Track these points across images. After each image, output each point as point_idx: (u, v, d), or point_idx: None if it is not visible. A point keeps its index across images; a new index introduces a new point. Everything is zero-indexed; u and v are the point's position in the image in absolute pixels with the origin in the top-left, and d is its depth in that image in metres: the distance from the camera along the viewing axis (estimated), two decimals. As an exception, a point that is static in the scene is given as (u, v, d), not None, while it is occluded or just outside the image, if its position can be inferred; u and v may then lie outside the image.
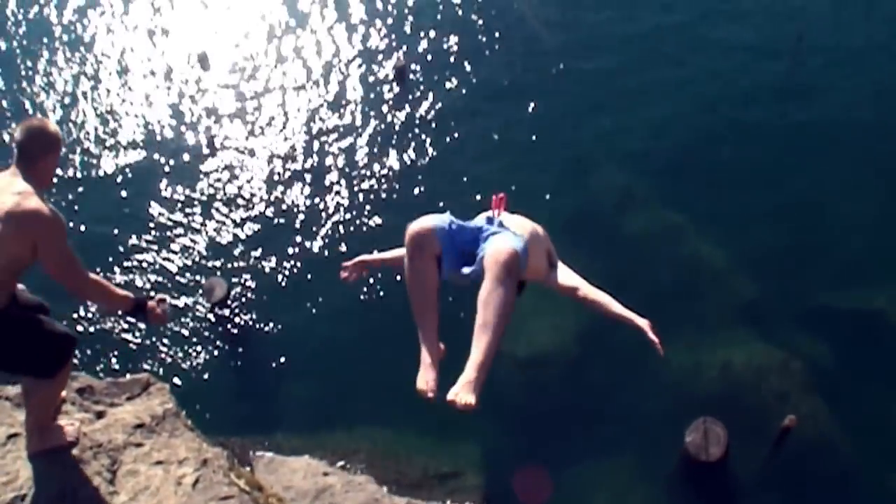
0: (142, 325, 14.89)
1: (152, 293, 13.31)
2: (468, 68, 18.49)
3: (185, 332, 14.93)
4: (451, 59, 18.72)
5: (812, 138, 16.54)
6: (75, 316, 15.07)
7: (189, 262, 15.79)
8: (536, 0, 19.56)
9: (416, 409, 13.50)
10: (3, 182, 4.68)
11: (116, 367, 14.45)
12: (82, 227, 16.30)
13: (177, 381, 14.20)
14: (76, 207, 16.68)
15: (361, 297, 14.92)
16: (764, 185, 15.83)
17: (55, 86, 18.92)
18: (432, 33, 19.28)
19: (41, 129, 4.88)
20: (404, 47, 19.03)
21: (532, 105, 17.64)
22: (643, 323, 4.99)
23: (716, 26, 18.60)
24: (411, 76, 18.42)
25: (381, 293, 14.96)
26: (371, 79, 18.55)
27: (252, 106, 18.22)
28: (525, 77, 18.15)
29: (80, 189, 16.98)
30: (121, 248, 15.96)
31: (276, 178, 16.93)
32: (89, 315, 15.06)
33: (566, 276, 5.34)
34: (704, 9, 18.97)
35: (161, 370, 14.29)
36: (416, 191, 16.47)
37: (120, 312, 5.50)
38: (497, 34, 19.07)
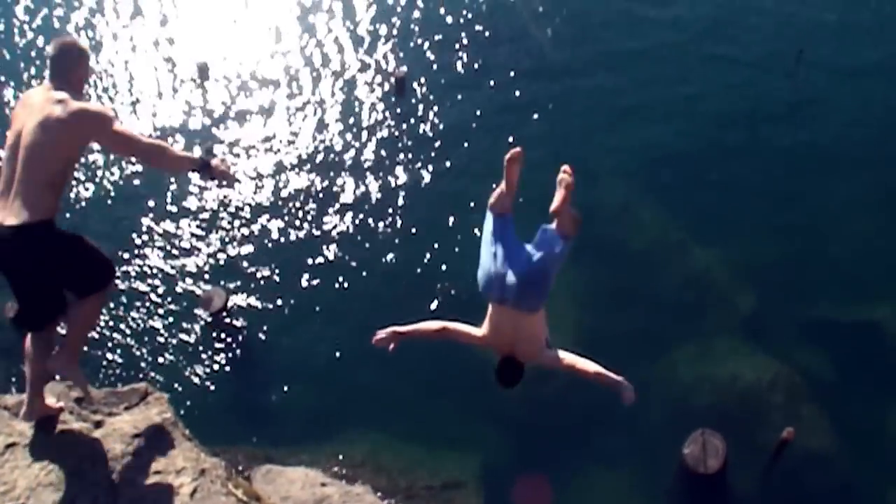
0: (140, 332, 14.94)
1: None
2: (470, 81, 18.50)
3: (184, 343, 14.92)
4: (452, 72, 18.75)
5: (813, 153, 16.57)
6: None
7: (187, 273, 15.78)
8: (541, 16, 19.57)
9: (414, 419, 13.60)
10: (42, 95, 4.97)
11: (115, 376, 14.46)
12: (85, 233, 16.28)
13: (175, 391, 14.18)
14: (76, 217, 16.69)
15: (360, 308, 14.91)
16: (764, 199, 15.86)
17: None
18: (433, 46, 19.32)
19: (73, 44, 5.20)
20: (402, 56, 19.06)
21: (535, 119, 17.62)
22: (623, 383, 5.70)
23: (719, 43, 18.61)
24: (413, 88, 18.44)
25: (381, 304, 14.96)
26: (371, 89, 18.58)
27: (251, 116, 18.24)
28: (528, 91, 18.13)
29: (81, 199, 16.98)
30: (120, 258, 15.95)
31: (275, 188, 16.94)
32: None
33: (556, 352, 5.94)
34: (708, 25, 18.98)
35: (159, 380, 14.27)
36: (417, 202, 16.48)
37: (189, 172, 5.72)
38: (499, 48, 19.08)
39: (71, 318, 5.59)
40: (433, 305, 14.83)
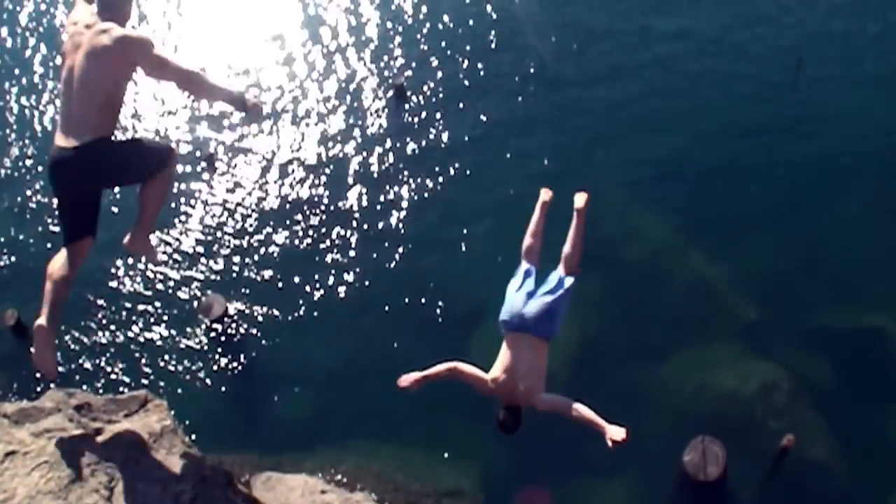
0: (140, 339, 14.98)
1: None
2: (471, 91, 18.49)
3: (184, 350, 14.94)
4: (452, 80, 18.75)
5: (814, 162, 16.55)
6: (76, 333, 15.12)
7: (187, 280, 15.81)
8: (543, 28, 19.56)
9: (414, 427, 13.60)
10: (89, 28, 5.43)
11: (115, 383, 14.48)
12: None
13: (175, 398, 14.18)
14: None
15: (360, 315, 14.93)
16: (765, 208, 15.84)
17: (53, 100, 18.99)
18: (434, 54, 19.34)
19: None
20: (402, 63, 19.09)
21: (537, 129, 17.61)
22: (608, 429, 6.40)
23: (722, 54, 18.57)
24: (413, 96, 18.47)
25: (381, 312, 14.99)
26: (371, 97, 18.60)
27: (251, 126, 18.26)
28: (530, 102, 18.10)
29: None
30: (120, 264, 15.99)
31: (275, 195, 16.97)
32: (90, 332, 15.09)
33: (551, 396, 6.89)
34: (710, 37, 18.96)
35: (159, 387, 14.30)
36: (417, 211, 16.49)
37: (222, 102, 6.19)
38: (501, 57, 19.06)
39: (143, 202, 5.98)
40: (432, 313, 14.86)
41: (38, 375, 14.63)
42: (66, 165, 5.43)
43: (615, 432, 6.32)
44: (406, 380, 7.26)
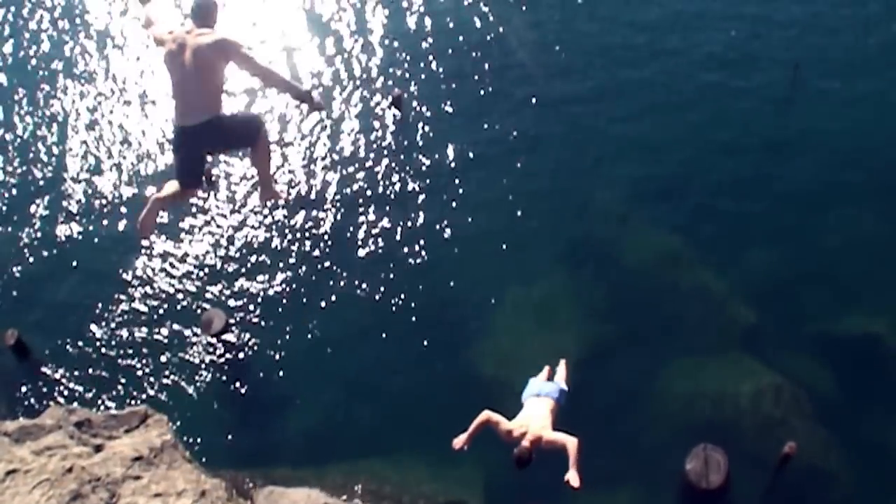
0: (141, 354, 15.00)
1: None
2: (468, 104, 18.52)
3: (185, 364, 14.94)
4: (450, 93, 18.77)
5: (811, 165, 16.58)
6: (78, 348, 15.13)
7: (187, 294, 15.82)
8: (540, 46, 19.56)
9: (416, 439, 13.60)
10: (189, 34, 6.79)
11: (115, 398, 14.49)
12: (81, 258, 16.41)
13: (176, 412, 14.15)
14: (76, 237, 16.78)
15: (360, 328, 14.94)
16: (763, 216, 15.87)
17: (54, 116, 19.04)
18: (431, 68, 19.40)
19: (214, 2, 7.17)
20: (399, 77, 19.15)
21: (535, 145, 17.56)
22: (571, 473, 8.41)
23: (718, 69, 18.60)
24: (410, 109, 18.51)
25: (381, 326, 14.99)
26: (368, 109, 18.64)
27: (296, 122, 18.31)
28: (528, 119, 18.02)
29: (80, 219, 17.06)
30: (119, 280, 16.01)
31: (273, 210, 16.98)
32: (91, 347, 15.11)
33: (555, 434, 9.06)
34: (705, 51, 18.99)
35: (161, 401, 14.29)
36: (415, 225, 16.50)
37: (290, 96, 7.61)
38: (500, 71, 19.07)
39: (255, 164, 7.76)
40: (432, 329, 14.88)
41: (41, 388, 14.68)
42: (195, 135, 6.98)
43: (573, 478, 8.25)
44: (458, 442, 9.00)
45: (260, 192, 8.12)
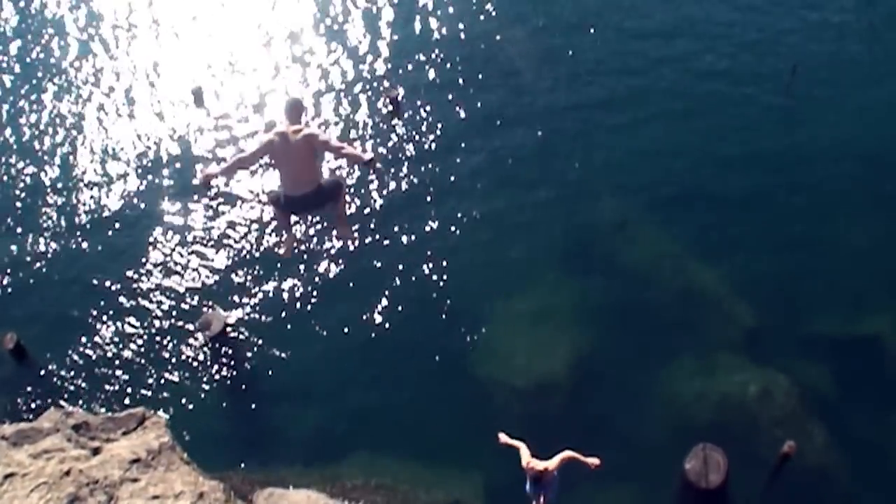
0: (140, 356, 15.01)
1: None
2: (462, 102, 18.59)
3: (183, 366, 14.94)
4: (445, 91, 18.83)
5: (809, 167, 16.61)
6: (76, 349, 15.15)
7: (186, 297, 15.82)
8: (541, 55, 19.61)
9: (416, 440, 13.61)
10: (289, 129, 8.56)
11: (114, 398, 14.48)
12: (80, 263, 16.44)
13: (175, 414, 14.18)
14: (75, 243, 16.79)
15: (360, 330, 14.94)
16: (763, 216, 15.88)
17: (57, 124, 19.06)
18: (429, 68, 19.43)
19: (299, 101, 9.09)
20: (397, 77, 19.17)
21: (530, 137, 17.69)
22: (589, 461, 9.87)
23: (716, 62, 18.70)
24: (407, 110, 18.53)
25: (380, 326, 14.99)
26: (365, 108, 18.66)
27: (247, 137, 18.32)
28: (523, 109, 18.20)
29: (79, 225, 17.08)
30: (119, 283, 16.02)
31: (270, 211, 16.96)
32: (89, 349, 15.12)
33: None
34: (703, 45, 19.08)
35: (159, 402, 14.30)
36: (413, 224, 16.52)
37: (359, 164, 9.70)
38: (498, 76, 19.16)
39: (337, 212, 9.67)
40: (431, 326, 14.88)
41: (37, 399, 14.69)
42: (303, 201, 9.03)
43: (593, 461, 9.74)
44: (503, 439, 10.34)
45: (338, 231, 10.16)
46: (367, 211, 16.74)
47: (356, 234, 16.11)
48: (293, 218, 10.10)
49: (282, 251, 10.11)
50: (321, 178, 9.25)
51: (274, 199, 9.37)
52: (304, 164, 8.74)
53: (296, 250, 10.54)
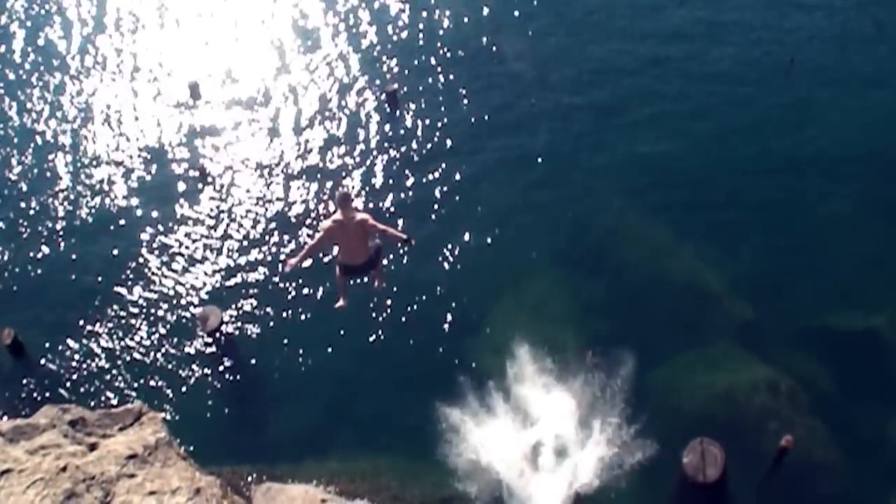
0: (137, 350, 15.01)
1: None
2: (459, 97, 18.58)
3: (180, 361, 14.93)
4: (443, 87, 18.82)
5: (810, 167, 16.62)
6: (77, 341, 15.15)
7: (183, 291, 15.81)
8: (535, 41, 19.59)
9: (413, 434, 13.61)
10: (345, 217, 10.12)
11: (111, 392, 14.47)
12: (78, 258, 16.44)
13: (173, 409, 14.21)
14: (73, 238, 16.77)
15: (357, 325, 14.93)
16: (761, 211, 15.89)
17: (52, 124, 19.03)
18: (425, 62, 19.42)
19: (349, 194, 10.54)
20: (394, 71, 19.16)
21: (531, 138, 17.66)
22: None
23: (715, 60, 18.69)
24: (404, 104, 18.51)
25: (378, 322, 14.99)
26: (363, 104, 18.64)
27: (243, 135, 18.30)
28: (523, 112, 18.15)
29: (76, 220, 17.08)
30: (117, 278, 16.00)
31: (267, 205, 16.98)
32: (87, 345, 15.12)
33: None
34: (703, 44, 19.05)
35: (157, 398, 14.29)
36: (410, 219, 16.51)
37: (399, 242, 10.59)
38: (494, 66, 19.16)
39: (377, 268, 11.21)
40: (428, 322, 14.89)
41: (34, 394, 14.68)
42: (358, 269, 10.95)
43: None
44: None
45: (378, 283, 11.37)
46: (364, 203, 16.75)
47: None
48: (349, 280, 11.90)
49: (339, 305, 11.08)
50: (370, 253, 11.02)
51: (339, 266, 10.98)
52: (358, 242, 10.59)
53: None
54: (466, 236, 16.08)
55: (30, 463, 5.97)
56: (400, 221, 16.41)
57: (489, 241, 15.96)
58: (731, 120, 17.55)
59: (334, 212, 10.79)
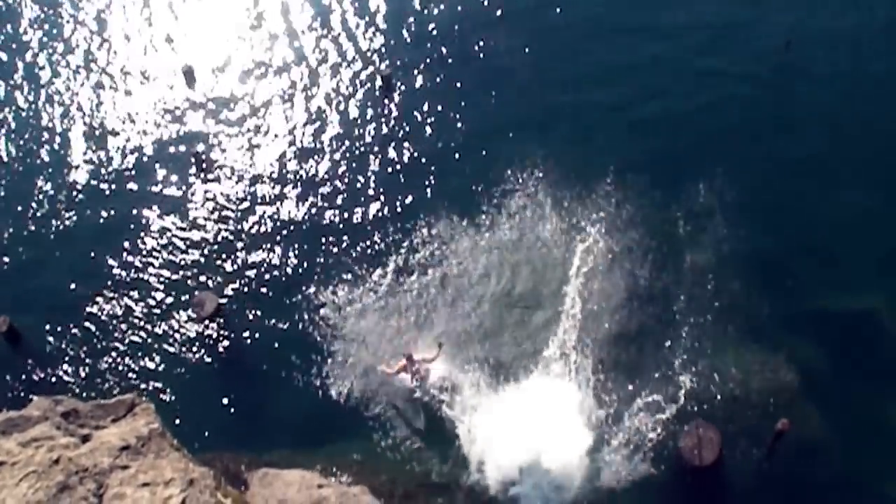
0: (134, 337, 15.00)
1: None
2: (456, 85, 18.51)
3: (176, 347, 14.92)
4: (438, 73, 18.73)
5: (806, 147, 16.57)
6: (72, 328, 15.15)
7: (179, 277, 15.79)
8: (534, 30, 19.48)
9: (409, 420, 13.66)
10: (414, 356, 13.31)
11: (105, 381, 14.48)
12: (72, 245, 16.41)
13: (169, 395, 14.22)
14: (67, 226, 16.75)
15: (353, 310, 14.92)
16: (758, 196, 15.84)
17: (46, 107, 18.96)
18: (421, 47, 19.34)
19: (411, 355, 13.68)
20: (389, 55, 19.07)
21: (526, 123, 17.57)
22: None
23: (713, 53, 18.59)
24: (398, 88, 18.44)
25: (373, 307, 14.97)
26: (357, 89, 18.56)
27: (239, 120, 18.22)
28: (520, 98, 18.09)
29: (70, 208, 17.04)
30: (113, 264, 15.99)
31: (264, 192, 16.93)
32: (82, 332, 15.13)
33: None
34: (700, 39, 18.94)
35: (153, 385, 14.31)
36: (403, 200, 16.48)
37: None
38: (490, 53, 19.05)
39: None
40: (423, 310, 14.88)
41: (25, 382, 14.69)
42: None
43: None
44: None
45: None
46: (358, 190, 16.73)
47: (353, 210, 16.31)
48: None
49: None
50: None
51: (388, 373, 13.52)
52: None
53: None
54: (461, 224, 15.96)
55: (22, 455, 5.97)
56: (390, 207, 16.44)
57: (484, 231, 15.87)
58: (731, 107, 17.55)
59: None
